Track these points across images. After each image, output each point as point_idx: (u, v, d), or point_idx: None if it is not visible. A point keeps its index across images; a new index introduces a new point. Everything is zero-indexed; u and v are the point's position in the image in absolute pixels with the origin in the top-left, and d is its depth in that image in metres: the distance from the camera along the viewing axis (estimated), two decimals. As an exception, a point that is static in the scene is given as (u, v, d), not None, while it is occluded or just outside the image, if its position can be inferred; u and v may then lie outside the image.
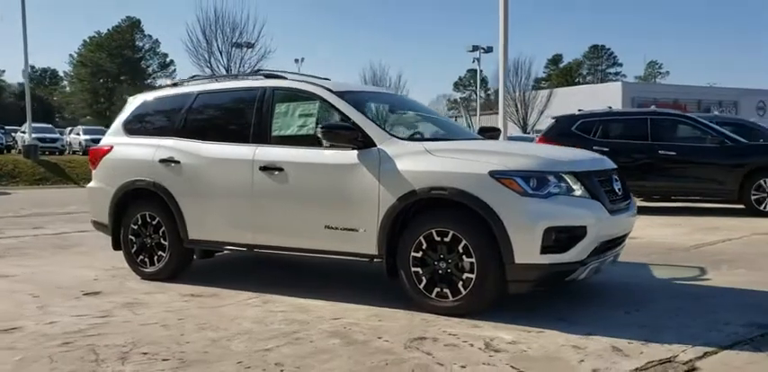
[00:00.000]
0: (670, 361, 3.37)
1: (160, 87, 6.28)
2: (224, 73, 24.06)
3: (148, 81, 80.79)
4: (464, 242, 4.16)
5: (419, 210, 4.39)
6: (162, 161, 5.40)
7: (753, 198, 9.86)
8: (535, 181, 4.10)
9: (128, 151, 5.70)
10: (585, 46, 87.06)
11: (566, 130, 10.80)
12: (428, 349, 3.60)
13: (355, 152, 4.57)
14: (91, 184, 6.00)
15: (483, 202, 4.09)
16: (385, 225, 4.41)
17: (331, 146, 4.67)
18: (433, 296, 4.30)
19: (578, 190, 4.20)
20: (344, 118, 4.74)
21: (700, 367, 3.31)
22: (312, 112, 4.92)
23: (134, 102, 5.99)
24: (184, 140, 5.40)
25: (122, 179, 5.61)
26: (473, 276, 4.14)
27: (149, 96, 6.00)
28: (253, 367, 3.36)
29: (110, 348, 3.69)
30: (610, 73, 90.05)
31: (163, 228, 5.44)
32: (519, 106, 41.32)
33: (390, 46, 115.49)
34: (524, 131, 39.39)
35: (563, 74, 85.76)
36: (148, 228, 5.54)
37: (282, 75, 5.40)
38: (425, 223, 4.33)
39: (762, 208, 9.82)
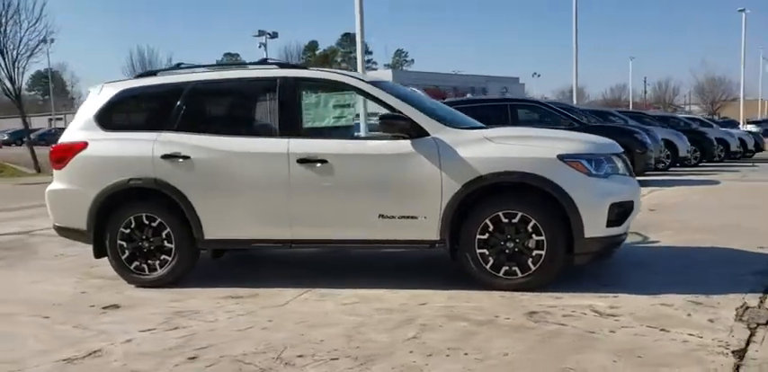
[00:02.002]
0: (748, 307, 4.07)
1: (136, 76, 5.63)
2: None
3: None
4: (533, 221, 4.51)
5: (482, 195, 4.63)
6: (165, 157, 4.95)
7: (599, 172, 11.42)
8: (594, 163, 4.57)
9: (112, 147, 5.10)
10: (338, 33, 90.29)
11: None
12: (558, 321, 3.91)
13: (408, 141, 4.65)
14: (56, 186, 5.25)
15: (554, 184, 4.46)
16: (449, 210, 4.58)
17: (375, 137, 4.71)
18: (501, 274, 4.59)
19: (621, 169, 4.77)
20: (388, 108, 4.78)
21: (772, 308, 4.06)
22: (349, 103, 4.89)
23: (105, 93, 5.30)
24: (189, 134, 5.00)
25: (109, 179, 5.02)
26: (543, 252, 4.51)
27: (125, 86, 5.35)
28: (434, 355, 3.41)
29: (250, 356, 3.47)
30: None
31: (167, 230, 5.00)
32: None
33: (161, 27, 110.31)
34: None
35: (320, 60, 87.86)
36: (146, 231, 5.04)
37: (302, 64, 5.24)
38: (492, 206, 4.59)
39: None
